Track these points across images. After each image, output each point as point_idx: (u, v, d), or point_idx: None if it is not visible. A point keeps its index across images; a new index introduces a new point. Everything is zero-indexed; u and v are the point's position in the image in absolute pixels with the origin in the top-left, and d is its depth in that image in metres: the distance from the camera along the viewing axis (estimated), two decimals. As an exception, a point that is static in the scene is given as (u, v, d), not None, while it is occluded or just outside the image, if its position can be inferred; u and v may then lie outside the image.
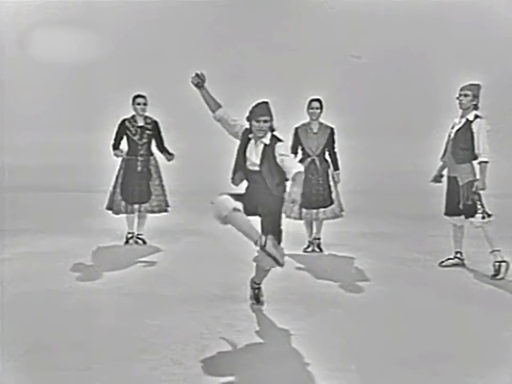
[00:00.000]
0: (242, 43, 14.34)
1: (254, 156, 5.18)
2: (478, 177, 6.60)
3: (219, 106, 5.34)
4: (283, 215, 7.72)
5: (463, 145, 6.63)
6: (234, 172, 5.29)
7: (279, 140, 5.18)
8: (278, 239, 5.25)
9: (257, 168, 5.15)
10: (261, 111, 5.13)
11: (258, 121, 5.10)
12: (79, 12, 14.48)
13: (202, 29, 14.21)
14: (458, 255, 7.02)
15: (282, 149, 5.15)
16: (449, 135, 6.84)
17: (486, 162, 6.51)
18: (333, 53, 14.12)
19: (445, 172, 7.01)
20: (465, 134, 6.62)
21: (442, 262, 7.04)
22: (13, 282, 6.13)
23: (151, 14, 14.41)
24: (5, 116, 14.13)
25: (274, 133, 5.21)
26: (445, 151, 6.92)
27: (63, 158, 13.44)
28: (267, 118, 5.12)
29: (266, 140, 5.15)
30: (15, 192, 11.89)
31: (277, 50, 14.22)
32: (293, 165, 5.12)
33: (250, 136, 5.22)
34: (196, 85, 5.29)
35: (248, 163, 5.21)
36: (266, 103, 5.20)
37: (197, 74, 5.26)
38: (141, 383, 3.95)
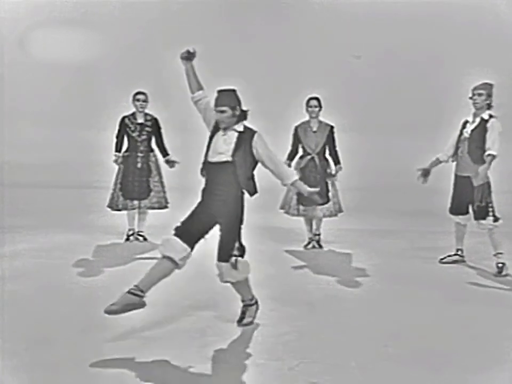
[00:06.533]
0: (242, 43, 14.32)
1: (220, 145, 4.68)
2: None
3: (201, 88, 4.88)
4: (281, 211, 7.82)
5: (480, 144, 6.55)
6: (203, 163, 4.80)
7: (254, 131, 4.74)
8: (233, 249, 4.70)
9: (223, 159, 4.64)
10: (218, 100, 4.68)
11: (216, 111, 4.68)
12: (79, 12, 14.46)
13: (202, 28, 14.19)
14: (459, 252, 7.06)
15: (264, 145, 4.70)
16: (461, 134, 6.76)
17: (493, 156, 6.45)
18: (333, 52, 14.12)
19: (432, 167, 6.96)
20: (481, 133, 6.56)
21: (443, 258, 7.06)
22: (14, 278, 6.13)
23: (151, 13, 14.40)
24: (5, 114, 14.11)
25: (245, 122, 4.77)
26: (456, 150, 6.81)
27: (64, 155, 13.44)
28: (223, 108, 4.63)
29: (240, 127, 4.72)
30: (17, 189, 11.87)
31: (277, 50, 14.22)
32: (289, 172, 4.90)
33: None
34: (184, 58, 4.85)
35: (210, 154, 4.71)
36: (228, 91, 4.73)
37: (188, 51, 4.86)
38: (143, 379, 3.96)
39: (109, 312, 4.41)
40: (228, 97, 4.68)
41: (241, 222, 4.75)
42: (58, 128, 13.94)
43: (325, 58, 13.98)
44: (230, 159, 4.64)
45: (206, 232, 4.73)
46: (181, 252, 4.59)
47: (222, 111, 4.64)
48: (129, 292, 4.50)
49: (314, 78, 12.68)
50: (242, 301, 5.01)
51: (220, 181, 4.67)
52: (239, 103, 4.73)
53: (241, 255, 4.74)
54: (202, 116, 4.89)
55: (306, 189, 4.81)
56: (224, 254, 4.69)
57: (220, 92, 4.70)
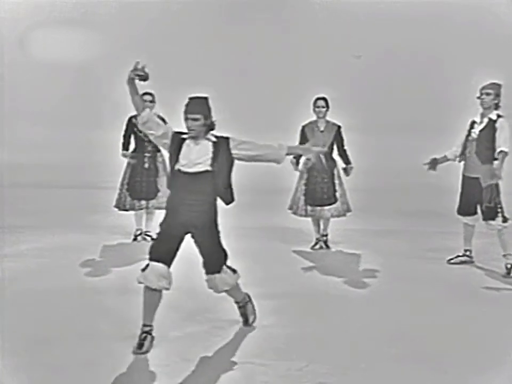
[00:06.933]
0: (243, 43, 14.33)
1: (197, 155, 4.52)
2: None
3: (144, 107, 4.63)
4: (289, 212, 7.81)
5: (488, 144, 6.54)
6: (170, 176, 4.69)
7: (226, 137, 4.63)
8: (222, 258, 4.67)
9: (201, 169, 4.50)
10: (191, 107, 4.51)
11: (186, 119, 4.52)
12: (79, 12, 14.49)
13: (204, 29, 14.21)
14: (467, 253, 7.02)
15: (241, 142, 4.60)
16: (469, 134, 6.74)
17: (506, 153, 6.43)
18: (335, 52, 14.13)
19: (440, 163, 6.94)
20: (489, 134, 6.55)
21: (451, 259, 7.03)
22: (20, 278, 6.14)
23: (151, 13, 14.41)
24: (6, 114, 14.12)
25: (214, 132, 4.63)
26: (464, 150, 6.80)
27: (70, 155, 13.45)
28: (197, 116, 4.49)
29: (212, 138, 4.58)
30: (23, 189, 11.88)
31: (277, 50, 14.22)
32: (277, 146, 4.69)
33: (185, 136, 4.58)
34: (143, 78, 4.49)
35: (183, 163, 4.52)
36: (201, 98, 4.58)
37: (137, 68, 4.48)
38: (149, 379, 3.97)
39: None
40: (201, 105, 4.55)
41: (218, 230, 4.65)
42: (58, 128, 13.96)
43: (326, 58, 14.00)
44: (209, 168, 4.50)
45: (179, 246, 4.56)
46: (164, 279, 4.45)
47: (195, 119, 4.49)
48: (148, 333, 4.48)
49: (315, 78, 12.72)
50: (237, 302, 4.97)
51: (195, 191, 4.50)
52: (210, 112, 4.60)
53: (225, 262, 4.70)
54: (155, 132, 4.59)
55: (299, 147, 4.81)
56: (214, 265, 4.63)
57: (192, 99, 4.56)
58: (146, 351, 4.39)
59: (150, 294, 4.48)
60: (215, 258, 4.62)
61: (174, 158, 4.55)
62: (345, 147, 7.70)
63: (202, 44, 14.10)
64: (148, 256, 4.51)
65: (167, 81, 12.43)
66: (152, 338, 4.50)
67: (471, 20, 13.82)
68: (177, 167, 4.53)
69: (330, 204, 7.56)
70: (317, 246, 7.75)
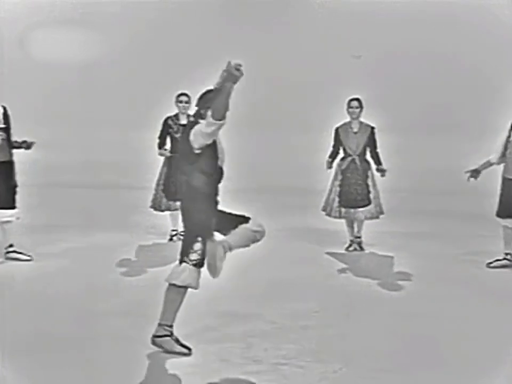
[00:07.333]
0: (243, 43, 14.29)
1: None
2: None
3: None
4: (323, 213, 7.81)
5: None
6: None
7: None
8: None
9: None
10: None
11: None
12: (79, 12, 14.46)
13: (204, 29, 14.20)
14: (508, 257, 6.91)
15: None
16: (510, 135, 6.71)
17: None
18: (338, 52, 14.11)
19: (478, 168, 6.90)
20: None
21: (491, 263, 6.94)
22: (55, 277, 6.24)
23: (151, 13, 14.42)
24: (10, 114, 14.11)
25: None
26: (504, 151, 6.77)
27: (108, 156, 13.40)
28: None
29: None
30: (61, 189, 11.88)
31: (276, 49, 14.20)
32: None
33: None
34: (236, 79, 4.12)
35: (222, 160, 4.45)
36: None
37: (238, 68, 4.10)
38: (186, 380, 4.00)
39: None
40: None
41: None
42: (59, 127, 13.89)
43: (326, 58, 13.96)
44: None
45: None
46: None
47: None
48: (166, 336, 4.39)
49: (315, 78, 12.73)
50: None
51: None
52: None
53: None
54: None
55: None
56: (240, 216, 4.55)
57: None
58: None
59: (185, 293, 4.41)
60: (235, 215, 4.52)
61: (215, 154, 4.37)
62: (378, 149, 7.70)
63: (202, 44, 14.08)
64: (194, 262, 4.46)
65: (167, 81, 12.45)
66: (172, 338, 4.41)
67: (473, 20, 13.77)
68: (219, 164, 4.41)
69: (364, 206, 7.55)
70: (351, 248, 7.73)
